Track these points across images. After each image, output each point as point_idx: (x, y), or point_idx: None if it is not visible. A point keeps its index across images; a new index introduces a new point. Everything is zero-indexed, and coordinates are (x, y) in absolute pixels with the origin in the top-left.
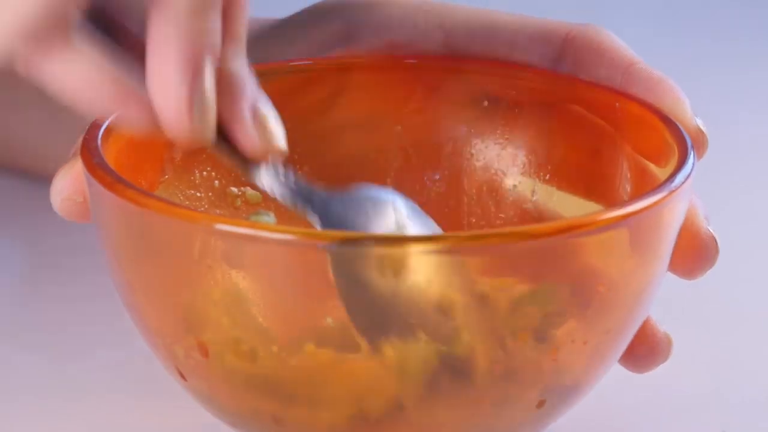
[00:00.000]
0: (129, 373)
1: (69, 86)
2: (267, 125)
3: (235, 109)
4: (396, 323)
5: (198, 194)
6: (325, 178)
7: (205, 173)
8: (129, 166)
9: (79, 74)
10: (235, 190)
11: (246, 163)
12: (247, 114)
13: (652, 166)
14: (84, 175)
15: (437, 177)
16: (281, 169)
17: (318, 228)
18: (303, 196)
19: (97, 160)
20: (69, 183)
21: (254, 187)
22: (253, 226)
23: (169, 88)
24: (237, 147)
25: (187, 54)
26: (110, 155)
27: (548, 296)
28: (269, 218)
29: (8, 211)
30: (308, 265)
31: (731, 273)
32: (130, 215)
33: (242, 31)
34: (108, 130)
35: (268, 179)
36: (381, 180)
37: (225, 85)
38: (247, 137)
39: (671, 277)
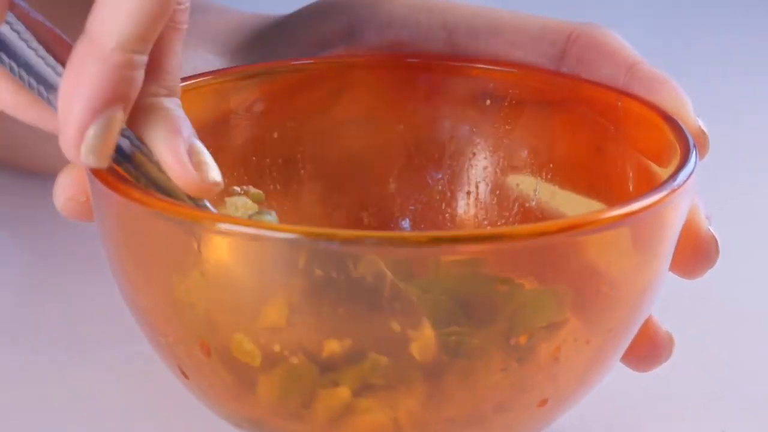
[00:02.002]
0: (131, 373)
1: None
2: (203, 161)
3: (172, 146)
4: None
5: None
6: (327, 176)
7: None
8: None
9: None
10: (237, 189)
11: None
12: (183, 150)
13: (654, 166)
14: (87, 175)
15: (439, 176)
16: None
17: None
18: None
19: None
20: (72, 183)
21: (258, 186)
22: (255, 225)
23: (68, 119)
24: (176, 184)
25: (95, 98)
26: None
27: (551, 295)
28: (271, 217)
29: (9, 210)
30: (312, 264)
31: (731, 273)
32: (132, 214)
33: (175, 75)
34: None
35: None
36: (384, 179)
37: (161, 120)
38: (186, 174)
39: (671, 276)
